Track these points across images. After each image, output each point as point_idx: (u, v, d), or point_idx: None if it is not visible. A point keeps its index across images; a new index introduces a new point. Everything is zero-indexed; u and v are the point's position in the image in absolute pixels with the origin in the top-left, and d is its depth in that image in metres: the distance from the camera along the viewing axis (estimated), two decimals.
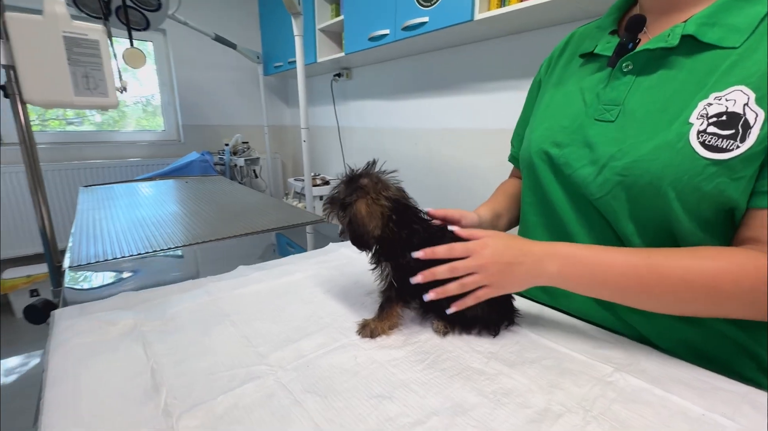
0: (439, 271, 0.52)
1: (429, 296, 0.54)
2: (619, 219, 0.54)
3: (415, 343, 0.57)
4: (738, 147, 0.44)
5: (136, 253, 0.96)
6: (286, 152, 3.95)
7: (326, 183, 2.89)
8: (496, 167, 1.93)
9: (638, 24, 0.54)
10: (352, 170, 0.60)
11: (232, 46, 2.88)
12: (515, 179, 0.85)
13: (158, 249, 0.99)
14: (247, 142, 3.16)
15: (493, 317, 0.58)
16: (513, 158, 0.85)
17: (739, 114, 0.44)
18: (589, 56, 0.62)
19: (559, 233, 0.63)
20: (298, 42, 1.94)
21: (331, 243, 1.01)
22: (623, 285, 0.48)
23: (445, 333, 0.58)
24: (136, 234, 1.11)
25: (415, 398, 0.45)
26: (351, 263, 0.88)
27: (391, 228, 0.56)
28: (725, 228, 0.48)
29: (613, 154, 0.53)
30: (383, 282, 0.60)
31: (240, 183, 2.85)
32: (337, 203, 0.58)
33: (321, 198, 2.77)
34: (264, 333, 0.59)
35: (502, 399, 0.45)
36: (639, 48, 0.53)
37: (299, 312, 0.66)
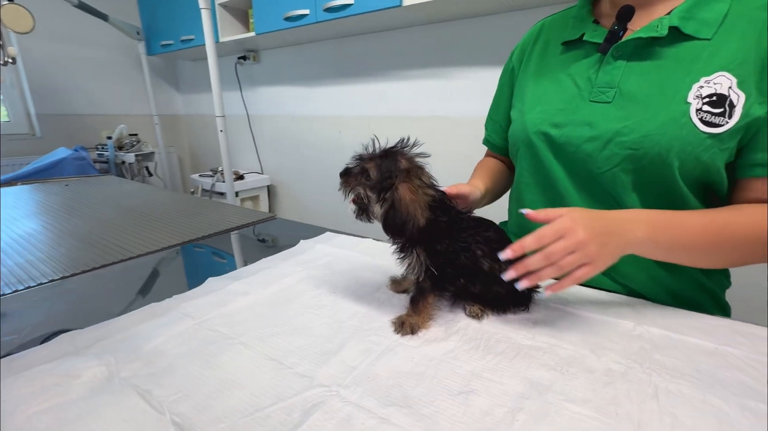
0: (532, 261, 0.48)
1: (522, 284, 0.49)
2: (623, 191, 0.60)
3: (458, 331, 0.55)
4: (727, 122, 0.52)
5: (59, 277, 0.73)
6: (182, 145, 3.47)
7: (240, 178, 2.63)
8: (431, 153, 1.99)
9: (629, 14, 0.59)
10: (385, 146, 0.54)
11: (103, 17, 2.38)
12: (493, 159, 0.88)
13: (98, 266, 0.77)
14: (135, 134, 2.67)
15: (517, 292, 0.59)
16: (488, 141, 0.88)
17: (726, 95, 0.52)
18: (573, 44, 0.67)
19: None
20: (205, 16, 1.69)
21: (302, 241, 0.92)
22: (700, 246, 0.53)
23: (481, 317, 0.58)
24: (40, 254, 0.84)
25: (497, 386, 0.44)
26: (337, 260, 0.81)
27: (431, 215, 0.53)
28: (706, 194, 0.59)
29: (618, 130, 0.58)
30: (415, 271, 0.56)
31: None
32: (368, 181, 0.53)
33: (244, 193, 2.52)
34: (292, 350, 0.51)
35: (570, 369, 0.47)
36: (630, 36, 0.59)
37: (315, 320, 0.58)
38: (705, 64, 0.54)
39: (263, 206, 2.80)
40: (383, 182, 0.52)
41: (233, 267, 0.80)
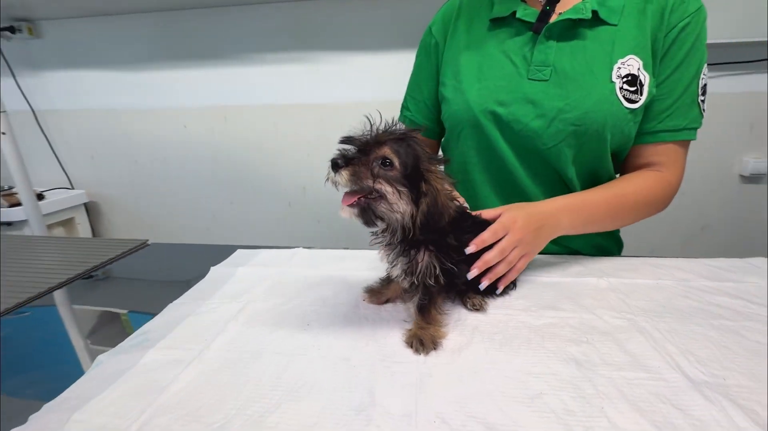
0: (490, 257, 0.53)
1: (484, 284, 0.54)
2: (565, 165, 0.65)
3: (474, 330, 0.50)
4: (640, 99, 0.61)
5: None
6: None
7: (39, 197, 1.90)
8: (300, 144, 1.84)
9: None
10: (378, 127, 0.45)
11: None
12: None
13: None
14: None
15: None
16: (412, 123, 0.84)
17: (637, 75, 0.61)
18: (503, 21, 0.68)
19: (509, 187, 0.70)
20: None
21: (213, 269, 0.71)
22: (603, 217, 0.64)
23: (485, 307, 0.54)
24: None
25: (553, 378, 0.41)
26: (278, 282, 0.65)
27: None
28: (615, 161, 0.69)
29: (561, 108, 0.62)
30: (416, 275, 0.48)
31: None
32: (390, 172, 0.43)
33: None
34: (312, 424, 0.36)
35: (589, 337, 0.48)
36: (560, 17, 0.63)
37: (309, 370, 0.44)
38: (618, 47, 0.62)
39: (83, 231, 2.12)
40: (410, 173, 0.42)
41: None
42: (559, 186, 0.68)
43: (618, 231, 0.79)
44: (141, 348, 0.48)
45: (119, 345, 0.49)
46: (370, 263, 0.70)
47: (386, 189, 0.43)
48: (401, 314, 0.55)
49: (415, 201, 0.45)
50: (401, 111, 0.85)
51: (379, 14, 1.61)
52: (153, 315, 0.56)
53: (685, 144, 0.66)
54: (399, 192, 0.43)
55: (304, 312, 0.56)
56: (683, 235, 1.70)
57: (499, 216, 0.55)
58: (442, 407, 0.38)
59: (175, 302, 0.60)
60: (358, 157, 0.44)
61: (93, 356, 0.47)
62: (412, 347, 0.46)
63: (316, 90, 1.78)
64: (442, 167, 0.47)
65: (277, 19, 1.70)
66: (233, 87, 1.83)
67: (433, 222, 0.45)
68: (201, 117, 1.91)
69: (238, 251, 0.80)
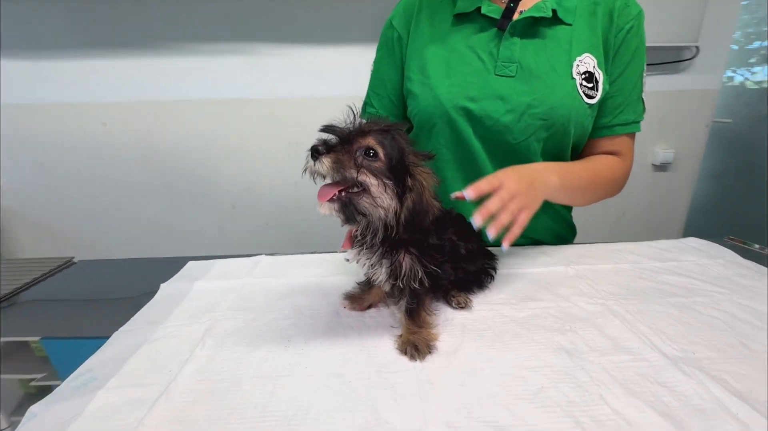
0: (492, 204, 0.50)
1: (490, 234, 0.49)
2: (534, 158, 0.67)
3: (464, 329, 0.50)
4: (597, 95, 0.65)
5: None
6: None
7: None
8: (241, 142, 1.71)
9: None
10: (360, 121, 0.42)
11: None
12: None
13: None
14: None
15: (483, 266, 0.59)
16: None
17: (593, 72, 0.64)
18: (466, 16, 0.67)
19: None
20: None
21: (163, 285, 0.62)
22: (585, 186, 0.67)
23: (469, 304, 0.54)
24: None
25: (548, 369, 0.42)
26: (243, 296, 0.59)
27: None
28: (575, 155, 0.73)
29: (529, 103, 0.64)
30: (400, 278, 0.46)
31: None
32: (375, 163, 0.40)
33: None
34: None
35: (572, 325, 0.50)
36: (523, 14, 0.64)
37: (299, 390, 0.40)
38: (576, 46, 0.65)
39: None
40: (395, 166, 0.40)
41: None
42: None
43: (572, 217, 0.84)
44: (87, 391, 0.40)
45: (57, 389, 0.41)
46: (341, 267, 0.67)
47: (370, 181, 0.40)
48: (387, 319, 0.52)
49: (399, 196, 0.43)
50: (363, 108, 0.82)
51: (322, 4, 1.55)
52: (91, 343, 0.48)
53: (633, 135, 0.72)
54: (384, 185, 0.41)
55: (280, 326, 0.51)
56: (608, 220, 1.88)
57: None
58: (450, 415, 0.36)
59: (121, 329, 0.51)
60: (341, 146, 0.41)
61: (22, 407, 0.39)
62: (406, 354, 0.44)
63: (256, 84, 1.67)
64: (427, 162, 0.45)
65: (212, 7, 1.55)
66: (162, 80, 1.64)
67: (417, 220, 0.43)
68: (123, 114, 1.69)
69: (190, 263, 0.71)
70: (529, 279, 0.62)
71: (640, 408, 0.37)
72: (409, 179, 0.43)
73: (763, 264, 0.64)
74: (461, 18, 0.68)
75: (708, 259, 0.67)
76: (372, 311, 0.54)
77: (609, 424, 0.35)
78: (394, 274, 0.47)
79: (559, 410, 0.37)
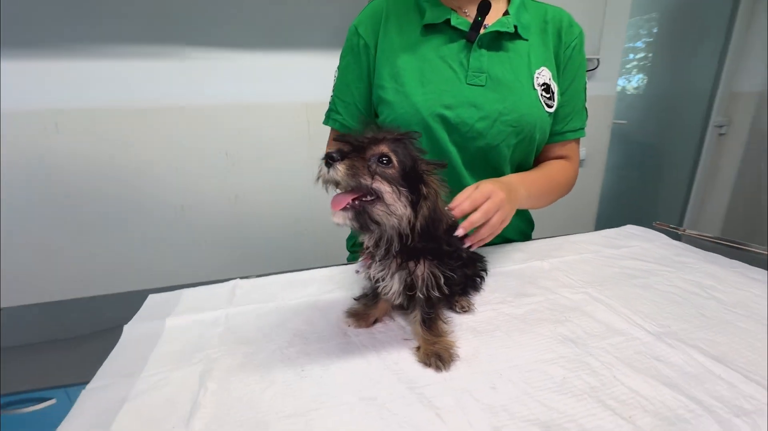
0: (476, 218, 0.54)
1: (468, 243, 0.54)
2: (504, 162, 0.72)
3: (473, 333, 0.51)
4: (554, 104, 0.72)
5: None
6: None
7: None
8: (170, 154, 1.54)
9: (487, 7, 0.67)
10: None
11: None
12: None
13: None
14: None
15: (477, 269, 0.61)
16: (342, 126, 0.79)
17: (549, 84, 0.71)
18: (435, 27, 0.69)
19: (453, 186, 0.72)
20: None
21: (126, 327, 0.54)
22: (543, 193, 0.73)
23: (472, 307, 0.55)
24: None
25: (555, 356, 0.45)
26: (231, 329, 0.54)
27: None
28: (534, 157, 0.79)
29: (501, 111, 0.67)
30: (419, 288, 0.46)
31: None
32: (389, 170, 0.40)
33: None
34: None
35: (567, 315, 0.54)
36: (489, 28, 0.68)
37: (334, 424, 0.37)
38: (534, 59, 0.71)
39: None
40: (408, 173, 0.40)
41: None
42: None
43: (530, 214, 0.91)
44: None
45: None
46: (329, 284, 0.64)
47: (385, 188, 0.40)
48: (397, 332, 0.51)
49: (413, 205, 0.43)
50: (328, 114, 0.80)
51: (256, 4, 1.47)
52: (45, 404, 0.39)
53: (578, 140, 0.80)
54: (398, 191, 0.41)
55: (288, 356, 0.47)
56: (544, 214, 2.09)
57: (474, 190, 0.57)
58: (494, 420, 0.37)
59: (89, 387, 0.43)
60: (355, 153, 0.40)
61: None
62: (431, 366, 0.44)
63: (182, 89, 1.52)
64: (439, 171, 0.46)
65: (130, 3, 1.38)
66: (66, 85, 1.41)
67: (432, 228, 0.44)
68: (18, 124, 1.42)
69: (151, 297, 0.62)
70: (514, 276, 0.66)
71: (649, 383, 0.41)
72: (423, 187, 0.43)
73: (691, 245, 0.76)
74: (430, 28, 0.70)
75: (648, 243, 0.78)
76: (379, 326, 0.53)
77: (631, 402, 0.39)
78: (409, 285, 0.46)
79: (587, 396, 0.40)
